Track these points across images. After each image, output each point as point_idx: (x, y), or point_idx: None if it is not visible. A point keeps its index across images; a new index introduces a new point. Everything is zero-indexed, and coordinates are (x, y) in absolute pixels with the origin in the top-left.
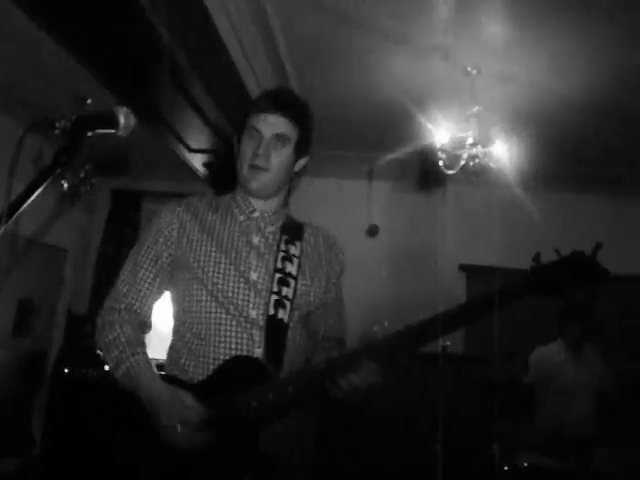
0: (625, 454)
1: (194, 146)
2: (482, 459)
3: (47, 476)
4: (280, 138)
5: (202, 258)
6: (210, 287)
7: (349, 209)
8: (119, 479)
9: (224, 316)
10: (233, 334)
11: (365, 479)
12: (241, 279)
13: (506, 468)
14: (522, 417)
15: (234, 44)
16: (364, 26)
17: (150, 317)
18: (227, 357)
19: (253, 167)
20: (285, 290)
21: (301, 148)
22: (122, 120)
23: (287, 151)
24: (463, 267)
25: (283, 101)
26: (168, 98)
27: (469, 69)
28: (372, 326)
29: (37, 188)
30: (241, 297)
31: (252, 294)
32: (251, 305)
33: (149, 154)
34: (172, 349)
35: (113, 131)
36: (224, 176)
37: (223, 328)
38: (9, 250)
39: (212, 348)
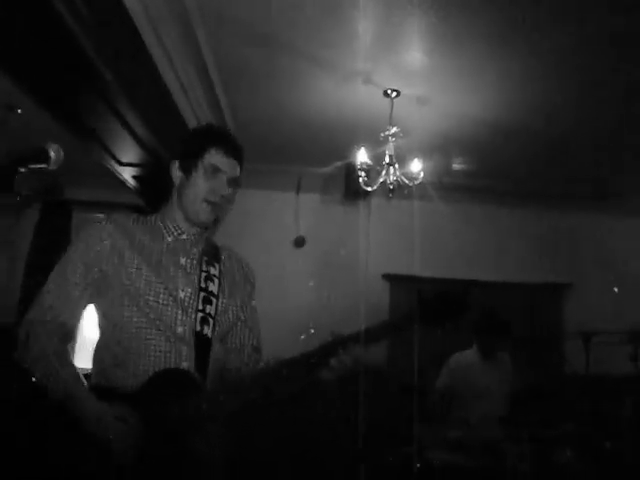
0: (536, 450)
1: (124, 160)
2: (397, 458)
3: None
4: (236, 180)
5: (134, 276)
6: (141, 304)
7: (277, 220)
8: None
9: (154, 332)
10: (162, 349)
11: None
12: (170, 297)
13: (418, 466)
14: (436, 418)
15: (164, 63)
16: (292, 50)
17: (76, 329)
18: (157, 369)
19: (213, 204)
20: (209, 308)
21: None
22: (53, 155)
23: (234, 193)
24: (387, 276)
25: (238, 147)
26: (96, 113)
27: (388, 92)
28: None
29: None
30: (170, 315)
31: (180, 312)
32: (179, 322)
33: (80, 165)
34: (99, 360)
35: (44, 166)
36: (154, 189)
37: (153, 343)
38: None
39: (142, 360)
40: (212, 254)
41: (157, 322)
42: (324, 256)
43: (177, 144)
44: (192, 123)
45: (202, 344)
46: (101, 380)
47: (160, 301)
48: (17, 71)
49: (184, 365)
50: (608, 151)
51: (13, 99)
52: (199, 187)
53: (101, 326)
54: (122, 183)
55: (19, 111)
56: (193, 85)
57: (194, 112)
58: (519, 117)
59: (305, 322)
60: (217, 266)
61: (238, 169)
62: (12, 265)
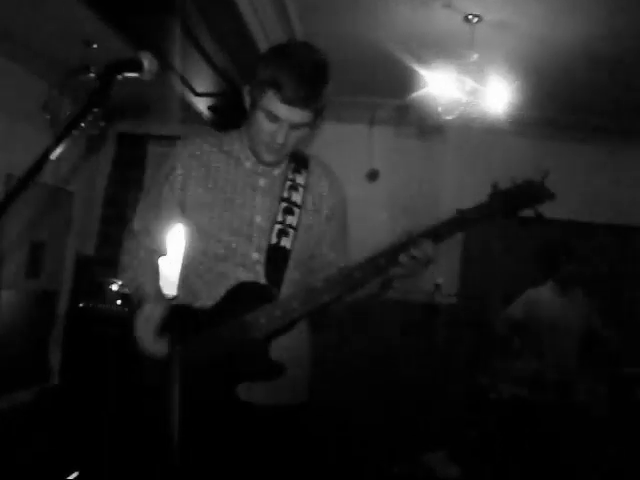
0: (603, 389)
1: (199, 89)
2: (470, 389)
3: (63, 405)
4: (300, 125)
5: (206, 207)
6: (215, 236)
7: (350, 153)
8: (130, 406)
9: (228, 264)
10: (237, 277)
11: (356, 395)
12: (244, 226)
13: (492, 397)
14: (509, 353)
15: None
16: None
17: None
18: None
19: (271, 148)
20: (289, 219)
21: (316, 124)
22: (146, 64)
23: (305, 131)
24: (460, 212)
25: (310, 94)
26: (174, 41)
27: (470, 17)
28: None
29: (75, 127)
30: (244, 244)
31: (255, 238)
32: (254, 249)
33: (155, 97)
34: (184, 275)
35: (138, 75)
36: (229, 119)
37: (227, 274)
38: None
39: (217, 290)
40: (300, 162)
41: (231, 254)
42: (398, 190)
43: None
44: (264, 48)
45: (278, 256)
46: (186, 295)
47: (235, 231)
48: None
49: (260, 280)
50: None
51: (91, 32)
52: (258, 127)
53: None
54: (197, 116)
55: (95, 46)
56: (268, 13)
57: (268, 40)
58: (613, 45)
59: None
60: (304, 174)
61: (305, 116)
62: (91, 196)
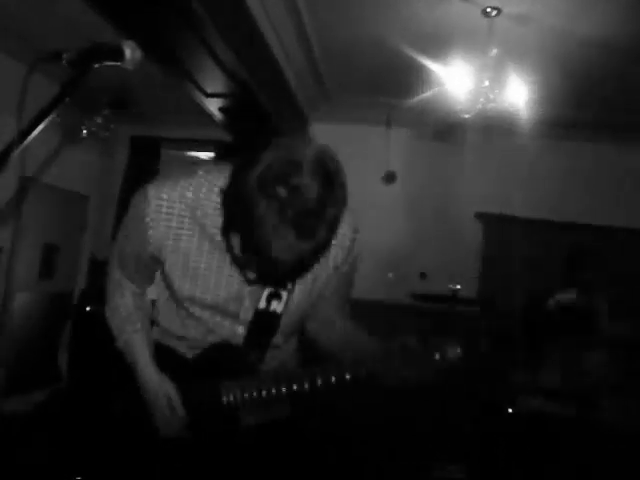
0: (629, 404)
1: (210, 90)
2: (488, 401)
3: (72, 406)
4: None
5: (192, 266)
6: (198, 299)
7: (367, 155)
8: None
9: (212, 315)
10: (221, 330)
11: (369, 409)
12: (233, 291)
13: (510, 411)
14: (529, 366)
15: None
16: None
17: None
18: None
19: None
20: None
21: None
22: (128, 53)
23: None
24: (480, 215)
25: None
26: (182, 42)
27: (488, 10)
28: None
29: (45, 118)
30: (231, 302)
31: (245, 299)
32: (242, 310)
33: (166, 100)
34: (164, 317)
35: (119, 64)
36: (240, 121)
37: (210, 323)
38: (34, 197)
39: (198, 336)
40: None
41: (217, 307)
42: (414, 192)
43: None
44: (277, 49)
45: (266, 321)
46: (167, 339)
47: (221, 295)
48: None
49: (239, 341)
50: None
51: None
52: (262, 221)
53: (160, 291)
54: (209, 119)
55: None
56: (277, 9)
57: (279, 37)
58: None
59: (394, 260)
60: None
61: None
62: (105, 200)
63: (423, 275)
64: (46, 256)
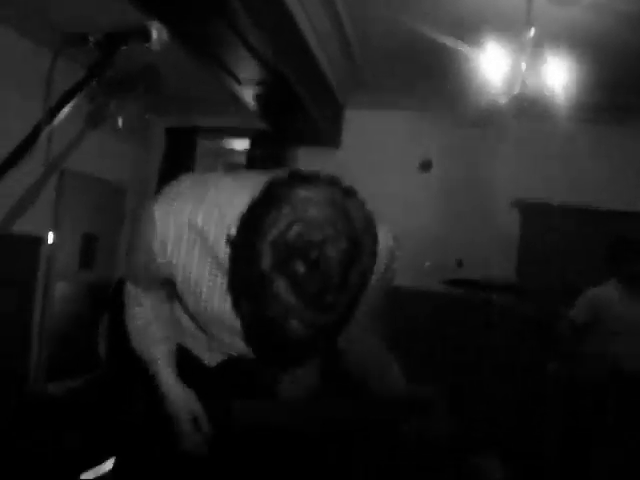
0: None
1: (243, 78)
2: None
3: (111, 391)
4: None
5: (205, 293)
6: (214, 322)
7: (402, 143)
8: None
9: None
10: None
11: None
12: None
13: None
14: (569, 355)
15: None
16: None
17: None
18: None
19: None
20: None
21: None
22: (154, 34)
23: None
24: (517, 203)
25: None
26: (214, 29)
27: None
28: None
29: (71, 99)
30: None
31: None
32: None
33: (201, 90)
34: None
35: (145, 45)
36: (275, 108)
37: (225, 339)
38: (72, 188)
39: (216, 346)
40: None
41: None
42: (451, 180)
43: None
44: (310, 36)
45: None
46: (190, 343)
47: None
48: None
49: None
50: None
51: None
52: None
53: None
54: (244, 107)
55: None
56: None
57: (312, 23)
58: None
59: (430, 248)
60: None
61: None
62: (143, 190)
63: (459, 263)
64: (85, 246)
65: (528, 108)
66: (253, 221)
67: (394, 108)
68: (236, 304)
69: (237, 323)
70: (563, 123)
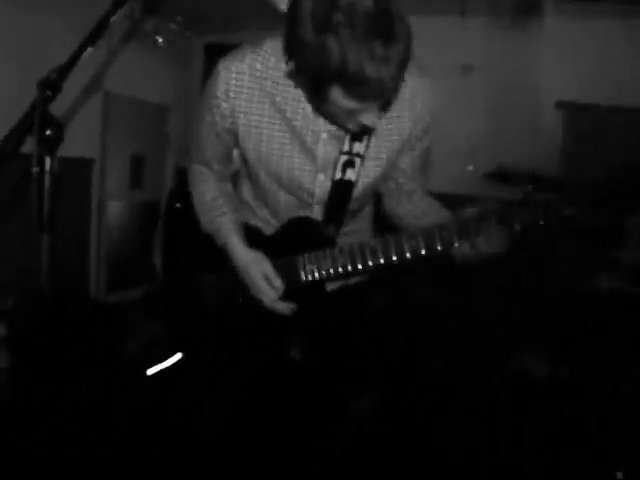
0: None
1: None
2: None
3: (169, 298)
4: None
5: (263, 137)
6: (273, 169)
7: (442, 47)
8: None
9: (289, 196)
10: (295, 207)
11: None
12: (308, 158)
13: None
14: (610, 243)
15: None
16: None
17: (231, 162)
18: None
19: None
20: (357, 146)
21: None
22: None
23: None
24: (561, 104)
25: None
26: None
27: None
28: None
29: (109, 19)
30: (307, 176)
31: (320, 176)
32: (316, 182)
33: (240, 6)
34: (246, 194)
35: None
36: None
37: (286, 202)
38: (117, 110)
39: (277, 213)
40: None
41: (291, 183)
42: (492, 83)
43: None
44: None
45: (341, 192)
46: (250, 217)
47: (296, 171)
48: None
49: (317, 215)
50: None
51: None
52: (331, 108)
53: (245, 164)
54: (282, 19)
55: None
56: None
57: None
58: None
59: (472, 152)
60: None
61: (377, 112)
62: (186, 109)
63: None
64: (134, 167)
65: (573, 4)
66: (292, 25)
67: (432, 13)
68: (317, 86)
69: (295, 160)
70: (610, 18)
